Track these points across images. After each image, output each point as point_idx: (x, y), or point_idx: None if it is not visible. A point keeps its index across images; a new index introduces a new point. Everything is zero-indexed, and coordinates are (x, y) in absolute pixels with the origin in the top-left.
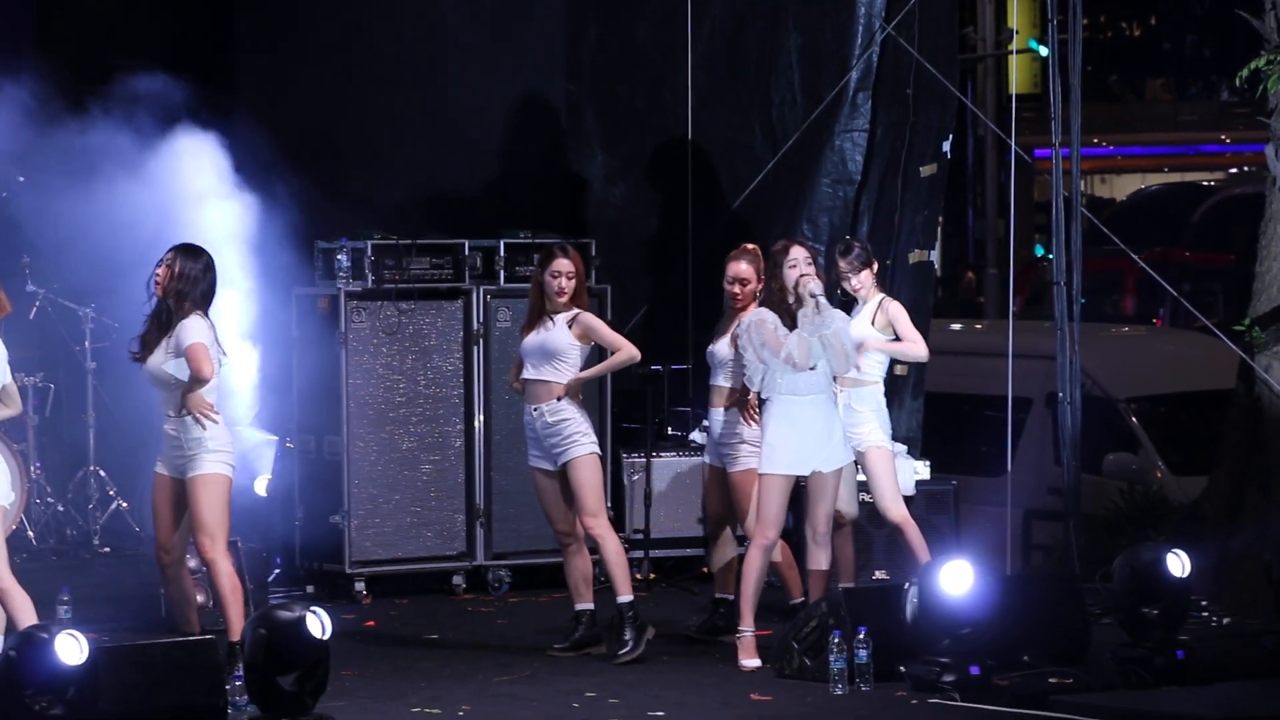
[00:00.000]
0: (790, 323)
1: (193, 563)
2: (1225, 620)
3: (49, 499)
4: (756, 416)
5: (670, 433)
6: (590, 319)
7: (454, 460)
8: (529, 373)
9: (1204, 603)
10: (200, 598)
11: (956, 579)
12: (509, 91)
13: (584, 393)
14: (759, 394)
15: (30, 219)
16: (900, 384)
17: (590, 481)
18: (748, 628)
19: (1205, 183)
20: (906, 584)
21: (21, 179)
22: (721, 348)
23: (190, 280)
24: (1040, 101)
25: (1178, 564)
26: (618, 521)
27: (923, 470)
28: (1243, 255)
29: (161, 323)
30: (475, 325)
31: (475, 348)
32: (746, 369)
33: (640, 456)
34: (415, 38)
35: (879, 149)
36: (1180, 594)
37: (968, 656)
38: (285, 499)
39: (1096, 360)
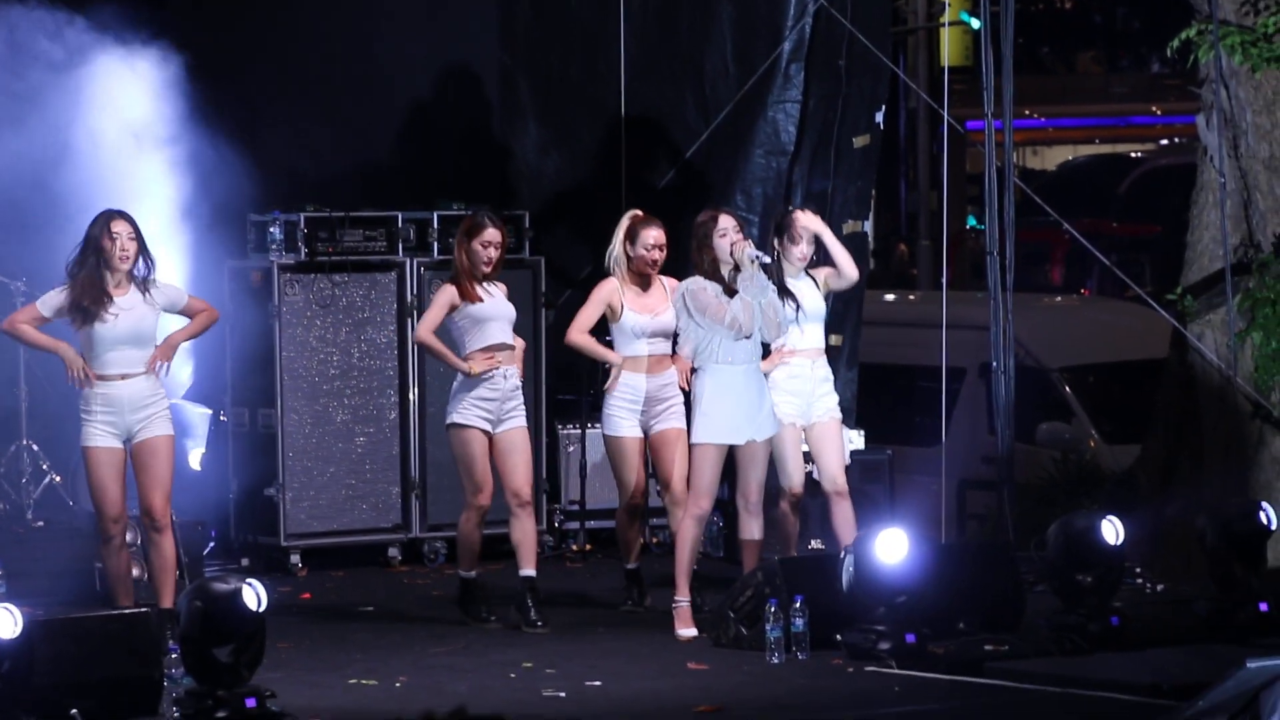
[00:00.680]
0: (727, 293)
1: (128, 535)
2: (1159, 587)
3: None
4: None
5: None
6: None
7: (389, 433)
8: (499, 337)
9: (1137, 569)
10: (135, 571)
11: (891, 548)
12: (442, 62)
13: (520, 364)
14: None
15: None
16: (835, 354)
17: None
18: (684, 598)
19: (1132, 154)
20: (842, 553)
21: None
22: (644, 318)
23: (143, 239)
24: (972, 74)
25: (1111, 531)
26: (553, 493)
27: (857, 440)
28: (1170, 226)
29: (137, 284)
30: (409, 297)
31: (409, 320)
32: (680, 336)
33: (576, 428)
34: (348, 7)
35: (811, 120)
36: (1114, 561)
37: (903, 624)
38: (219, 472)
39: (1029, 330)
